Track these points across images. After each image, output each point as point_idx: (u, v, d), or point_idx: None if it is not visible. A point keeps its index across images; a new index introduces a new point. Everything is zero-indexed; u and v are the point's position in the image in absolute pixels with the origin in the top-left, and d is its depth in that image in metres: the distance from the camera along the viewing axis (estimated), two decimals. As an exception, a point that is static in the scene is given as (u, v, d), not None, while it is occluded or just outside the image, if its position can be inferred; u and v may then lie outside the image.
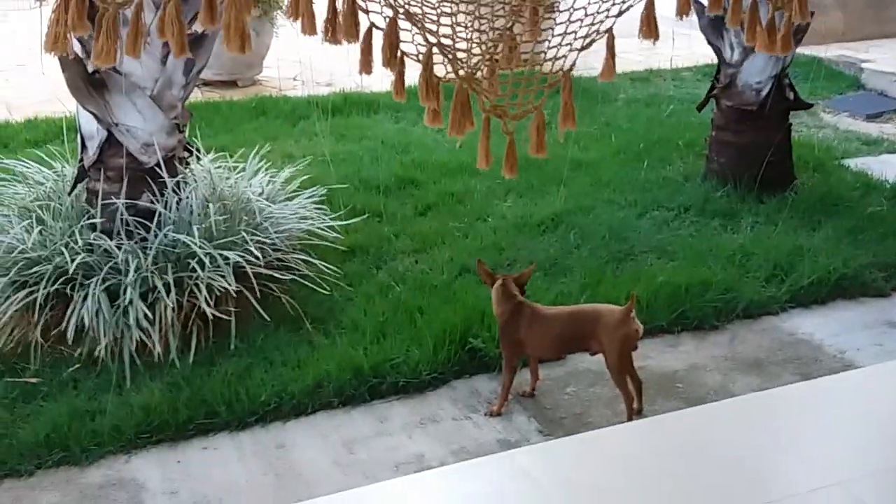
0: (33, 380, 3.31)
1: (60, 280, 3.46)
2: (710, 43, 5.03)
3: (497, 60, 1.88)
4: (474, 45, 1.77)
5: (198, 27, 3.77)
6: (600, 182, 5.15)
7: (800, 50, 7.83)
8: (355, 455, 3.03)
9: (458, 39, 1.74)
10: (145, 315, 3.39)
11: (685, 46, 7.74)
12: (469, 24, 1.75)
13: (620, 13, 1.88)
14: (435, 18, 1.66)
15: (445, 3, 1.65)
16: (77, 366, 3.36)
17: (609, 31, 1.89)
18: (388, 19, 1.59)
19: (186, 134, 4.10)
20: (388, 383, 3.34)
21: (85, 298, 3.41)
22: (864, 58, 7.93)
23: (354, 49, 1.81)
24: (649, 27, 1.83)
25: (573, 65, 1.95)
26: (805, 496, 2.47)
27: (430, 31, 1.65)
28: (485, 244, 4.38)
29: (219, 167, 4.31)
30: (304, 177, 4.54)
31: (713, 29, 4.91)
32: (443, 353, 3.44)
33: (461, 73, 1.77)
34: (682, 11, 1.78)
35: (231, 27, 1.50)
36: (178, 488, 2.88)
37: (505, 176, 2.04)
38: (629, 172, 5.29)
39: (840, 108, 7.00)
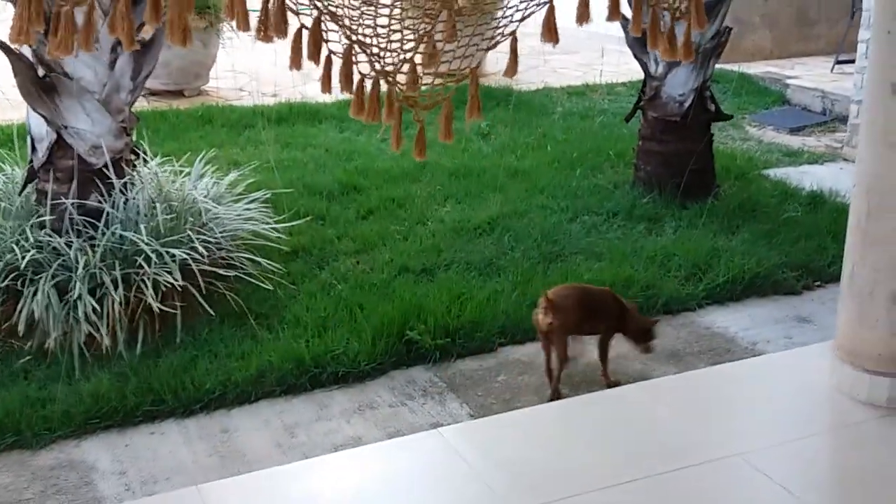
0: (-17, 371, 3.43)
1: (11, 276, 3.59)
2: (636, 57, 5.31)
3: (415, 61, 2.08)
4: (393, 44, 1.97)
5: (145, 34, 3.96)
6: (535, 189, 5.40)
7: (729, 66, 8.24)
8: (296, 438, 3.20)
9: (377, 38, 1.94)
10: (94, 309, 3.53)
11: (621, 62, 8.08)
12: (388, 25, 1.95)
13: (523, 18, 2.09)
14: (356, 18, 1.86)
15: (365, 6, 1.85)
16: (28, 358, 3.49)
17: (512, 34, 2.10)
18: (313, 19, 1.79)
19: (134, 139, 4.25)
20: (329, 373, 3.52)
21: (35, 294, 3.54)
22: (790, 74, 8.33)
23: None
24: (550, 31, 2.05)
25: (479, 63, 2.17)
26: (711, 464, 2.71)
27: (352, 30, 1.85)
28: (424, 246, 4.59)
29: (165, 171, 4.45)
30: (250, 181, 4.72)
31: (639, 44, 5.19)
32: (381, 345, 3.63)
33: (377, 67, 1.97)
34: (580, 20, 2.00)
35: (174, 23, 1.67)
36: (127, 469, 3.02)
37: (415, 158, 2.24)
38: (562, 180, 5.55)
39: (765, 121, 7.36)
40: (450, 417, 3.33)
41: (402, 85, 2.05)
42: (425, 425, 3.26)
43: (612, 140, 6.31)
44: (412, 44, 1.98)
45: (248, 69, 7.81)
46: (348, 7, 1.79)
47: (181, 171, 4.51)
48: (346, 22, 1.82)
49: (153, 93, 7.52)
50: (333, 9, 1.78)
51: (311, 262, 4.41)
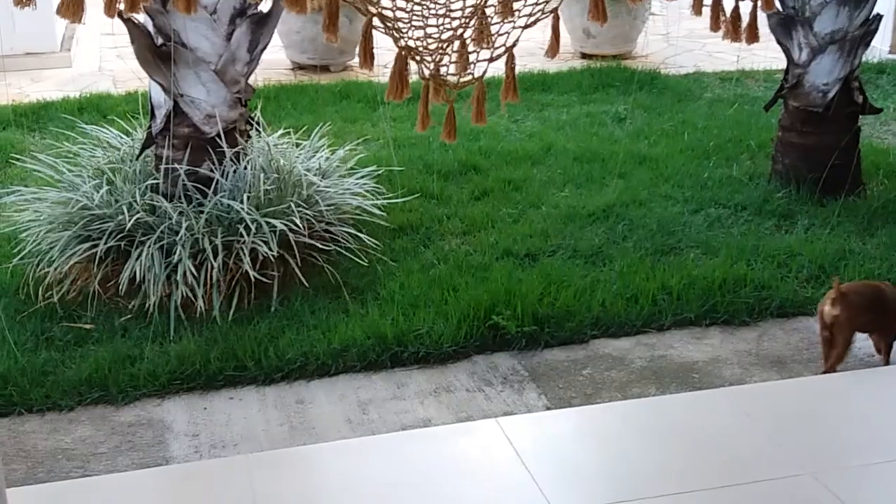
0: (88, 326, 3.60)
1: (120, 237, 3.75)
2: (779, 42, 4.96)
3: (464, 38, 1.99)
4: (434, 25, 1.88)
5: (263, 7, 4.03)
6: (661, 177, 5.15)
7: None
8: (367, 415, 3.19)
9: (419, 19, 1.86)
10: (193, 274, 3.64)
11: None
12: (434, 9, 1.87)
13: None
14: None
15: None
16: (128, 316, 3.64)
17: (554, 10, 1.96)
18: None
19: (254, 110, 4.35)
20: (410, 353, 3.48)
21: (140, 255, 3.69)
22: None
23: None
24: (597, 11, 1.90)
25: (516, 41, 2.05)
26: (780, 481, 2.50)
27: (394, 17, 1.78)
28: (532, 230, 4.47)
29: (283, 143, 4.54)
30: (364, 155, 4.74)
31: (782, 28, 4.84)
32: (466, 328, 3.56)
33: (402, 43, 1.89)
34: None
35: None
36: (200, 432, 3.10)
37: (444, 140, 2.14)
38: (693, 169, 5.27)
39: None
40: (525, 408, 3.22)
41: (444, 65, 1.97)
42: (498, 413, 3.17)
43: (756, 129, 5.94)
44: (457, 21, 1.89)
45: (391, 45, 7.86)
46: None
47: (301, 145, 4.59)
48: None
49: (300, 67, 7.72)
50: None
51: (417, 240, 4.38)
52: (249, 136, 4.21)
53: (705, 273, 3.96)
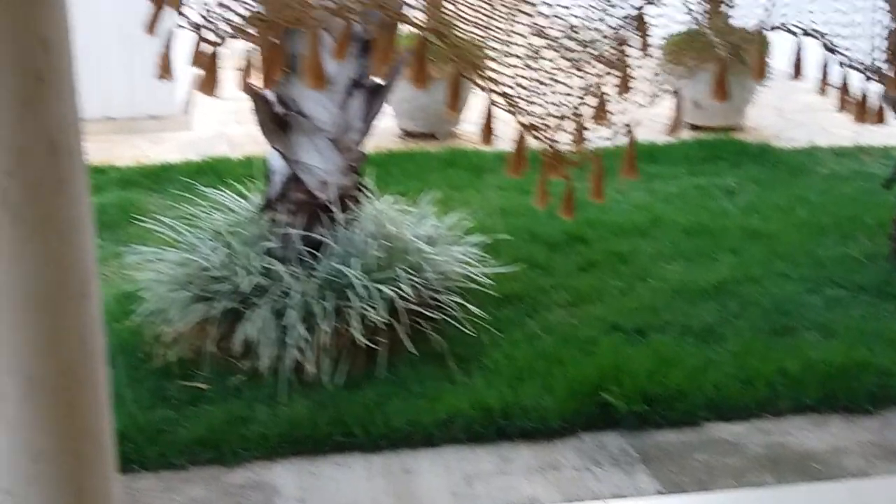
0: (202, 385, 3.67)
1: (236, 298, 3.84)
2: (900, 117, 4.81)
3: (582, 116, 1.98)
4: (550, 97, 1.89)
5: (377, 79, 4.13)
6: (774, 253, 5.02)
7: None
8: (473, 489, 3.14)
9: (531, 92, 1.87)
10: (304, 337, 3.69)
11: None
12: (546, 79, 1.87)
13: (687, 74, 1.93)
14: (510, 73, 1.81)
15: (525, 60, 1.79)
16: (241, 377, 3.71)
17: (676, 91, 1.94)
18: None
19: (364, 176, 4.43)
20: (516, 426, 3.44)
21: (254, 317, 3.76)
22: None
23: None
24: (720, 90, 1.87)
25: (636, 120, 2.02)
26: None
27: (501, 83, 1.79)
28: (640, 304, 4.39)
29: (393, 209, 4.61)
30: (473, 224, 4.76)
31: (905, 103, 4.70)
32: (574, 404, 3.50)
33: (528, 121, 1.90)
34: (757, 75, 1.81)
35: (310, 67, 1.69)
36: (308, 498, 3.11)
37: (563, 217, 2.12)
38: (808, 247, 5.12)
39: None
40: (635, 491, 3.13)
41: (559, 141, 1.96)
42: (607, 495, 3.09)
43: (874, 207, 5.74)
44: (575, 98, 1.89)
45: (501, 114, 7.95)
46: (507, 65, 1.74)
47: (408, 211, 4.65)
48: (495, 73, 1.77)
49: (408, 133, 7.87)
50: (481, 61, 1.74)
51: (521, 310, 4.36)
52: (360, 202, 4.29)
53: (824, 357, 3.82)
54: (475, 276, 4.29)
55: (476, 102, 8.16)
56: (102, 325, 2.01)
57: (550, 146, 1.95)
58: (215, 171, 6.47)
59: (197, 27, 1.59)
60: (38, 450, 1.91)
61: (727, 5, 2.12)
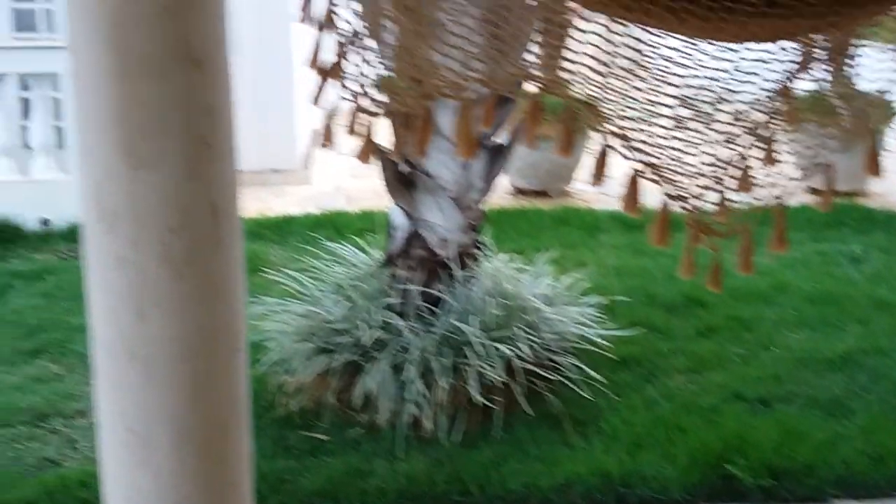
0: (323, 437, 3.74)
1: (356, 351, 3.92)
2: None
3: (725, 186, 1.96)
4: (692, 167, 1.88)
5: (498, 139, 4.19)
6: (905, 325, 4.82)
7: None
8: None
9: (676, 162, 1.87)
10: (422, 393, 3.73)
11: None
12: (689, 149, 1.87)
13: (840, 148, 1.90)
14: (652, 140, 1.81)
15: (675, 130, 1.80)
16: (360, 430, 3.76)
17: (829, 165, 1.90)
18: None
19: (482, 234, 4.48)
20: (636, 495, 3.37)
21: (373, 371, 3.82)
22: None
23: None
24: (874, 166, 1.83)
25: (787, 191, 1.99)
26: None
27: (646, 152, 1.80)
28: (763, 373, 4.27)
29: (509, 267, 4.63)
30: (589, 285, 4.74)
31: None
32: (696, 475, 3.42)
33: (674, 191, 1.89)
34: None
35: (462, 137, 1.73)
36: (423, 555, 3.12)
37: (709, 288, 2.08)
38: (942, 318, 4.90)
39: None
40: (761, 568, 3.02)
41: (703, 211, 1.95)
42: (731, 572, 2.99)
43: None
44: (719, 169, 1.88)
45: (613, 174, 7.95)
46: (647, 130, 1.75)
47: (524, 269, 4.66)
48: (641, 143, 1.78)
49: (520, 191, 7.92)
50: (631, 132, 1.76)
51: (639, 374, 4.29)
52: (478, 260, 4.33)
53: (962, 435, 3.63)
54: (592, 338, 4.26)
55: (588, 162, 8.06)
56: (248, 380, 2.08)
57: (697, 217, 1.94)
58: (334, 225, 6.64)
59: (355, 97, 1.66)
60: (183, 496, 1.98)
61: (849, 67, 2.09)
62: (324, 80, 1.62)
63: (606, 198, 7.79)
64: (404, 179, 4.07)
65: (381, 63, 1.80)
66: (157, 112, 1.74)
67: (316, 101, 1.65)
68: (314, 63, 1.62)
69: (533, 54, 1.89)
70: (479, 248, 4.31)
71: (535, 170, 7.67)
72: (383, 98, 1.70)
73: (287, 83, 7.94)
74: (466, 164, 4.09)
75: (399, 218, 4.22)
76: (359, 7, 1.72)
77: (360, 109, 1.71)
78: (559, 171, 7.82)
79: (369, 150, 1.82)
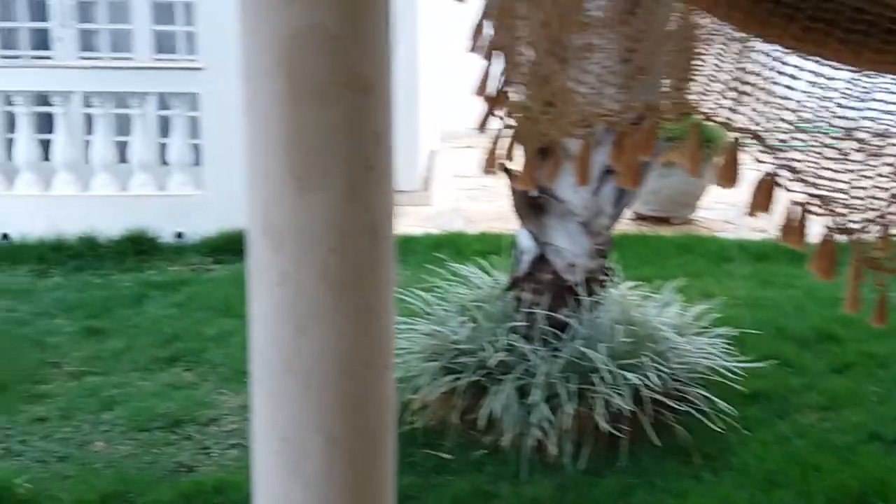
0: (447, 455, 3.77)
1: (481, 373, 3.94)
2: None
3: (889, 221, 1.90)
4: (860, 200, 1.82)
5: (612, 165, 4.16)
6: None
7: None
8: None
9: (841, 193, 1.82)
10: (547, 418, 3.72)
11: None
12: (856, 179, 1.82)
13: None
14: (819, 170, 1.77)
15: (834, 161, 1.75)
16: (484, 451, 3.78)
17: None
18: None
19: (609, 260, 4.45)
20: (768, 533, 3.28)
21: (498, 393, 3.84)
22: None
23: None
24: None
25: None
26: None
27: (813, 183, 1.76)
28: (903, 413, 4.10)
29: (634, 294, 4.58)
30: (717, 315, 4.65)
31: None
32: (832, 516, 3.30)
33: (839, 223, 1.83)
34: None
35: (626, 166, 1.73)
36: (548, 581, 3.10)
37: (874, 325, 2.01)
38: None
39: None
40: None
41: (869, 244, 1.89)
42: None
43: None
44: (883, 201, 1.82)
45: (739, 202, 7.79)
46: (812, 161, 1.72)
47: (649, 297, 4.61)
48: (807, 173, 1.75)
49: (640, 217, 7.83)
50: (795, 162, 1.72)
51: (770, 409, 4.18)
52: (605, 286, 4.30)
53: None
54: (721, 370, 4.17)
55: (716, 189, 7.93)
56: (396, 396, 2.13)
57: (863, 250, 1.89)
58: (453, 245, 6.71)
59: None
60: (332, 508, 2.04)
61: None
62: (491, 109, 1.65)
63: (730, 226, 7.64)
64: (533, 203, 4.09)
65: (514, 87, 1.83)
66: (324, 136, 1.81)
67: (482, 128, 1.68)
68: (482, 91, 1.66)
69: (676, 81, 1.88)
70: (606, 275, 4.29)
71: (657, 196, 7.58)
72: (515, 122, 1.72)
73: (410, 106, 8.10)
74: (597, 189, 4.08)
75: (526, 241, 4.24)
76: (502, 32, 1.75)
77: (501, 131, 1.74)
78: (683, 197, 7.70)
79: (504, 170, 1.85)
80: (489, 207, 8.13)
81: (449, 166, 9.55)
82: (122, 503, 3.45)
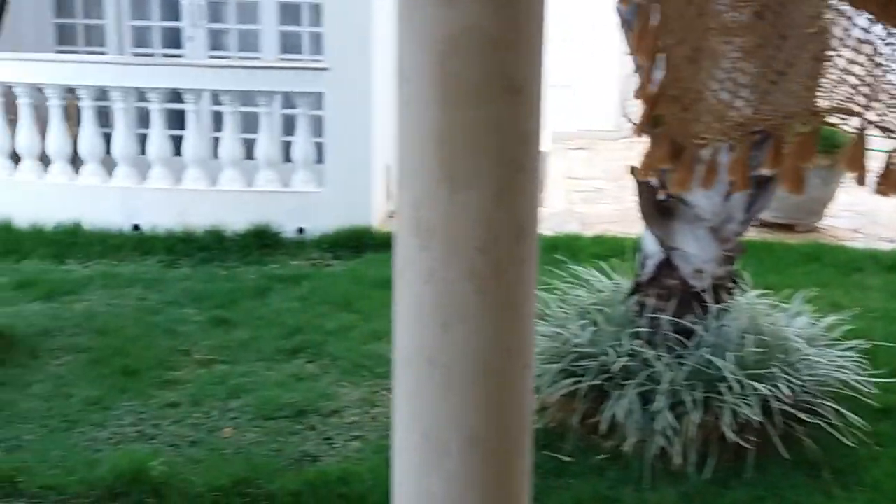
0: (566, 458, 3.76)
1: (602, 377, 3.91)
2: None
3: None
4: None
5: (764, 171, 4.05)
6: None
7: None
8: None
9: None
10: (672, 425, 3.66)
11: None
12: None
13: None
14: None
15: None
16: (605, 456, 3.75)
17: None
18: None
19: (736, 267, 4.35)
20: (906, 555, 3.15)
21: (620, 398, 3.80)
22: None
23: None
24: None
25: None
26: None
27: None
28: None
29: (761, 303, 4.46)
30: (849, 327, 4.48)
31: None
32: (976, 541, 3.15)
33: None
34: None
35: (789, 172, 1.70)
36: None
37: None
38: None
39: None
40: None
41: None
42: None
43: None
44: None
45: (868, 210, 7.49)
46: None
47: (777, 306, 4.48)
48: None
49: (764, 224, 7.60)
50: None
51: (904, 426, 4.01)
52: (732, 294, 4.20)
53: None
54: (853, 383, 4.03)
55: (842, 196, 7.70)
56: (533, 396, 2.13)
57: None
58: (568, 248, 6.65)
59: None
60: (471, 504, 2.06)
61: None
62: (650, 110, 1.65)
63: (859, 235, 7.35)
64: (661, 207, 4.03)
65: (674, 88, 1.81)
66: (476, 136, 1.83)
67: (642, 131, 1.68)
68: (643, 94, 1.65)
69: (814, 82, 1.83)
70: (734, 282, 4.19)
71: (782, 202, 7.33)
72: (674, 125, 1.70)
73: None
74: (728, 195, 3.99)
75: (651, 245, 4.18)
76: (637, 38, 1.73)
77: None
78: (810, 204, 7.45)
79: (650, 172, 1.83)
80: (604, 210, 8.06)
81: (561, 168, 9.50)
82: (252, 489, 3.56)
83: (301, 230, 6.90)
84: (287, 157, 7.03)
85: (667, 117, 1.72)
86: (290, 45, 8.05)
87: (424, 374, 1.99)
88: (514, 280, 2.00)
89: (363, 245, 6.74)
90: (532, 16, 1.83)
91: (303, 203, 6.88)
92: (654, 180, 4.06)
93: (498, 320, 1.97)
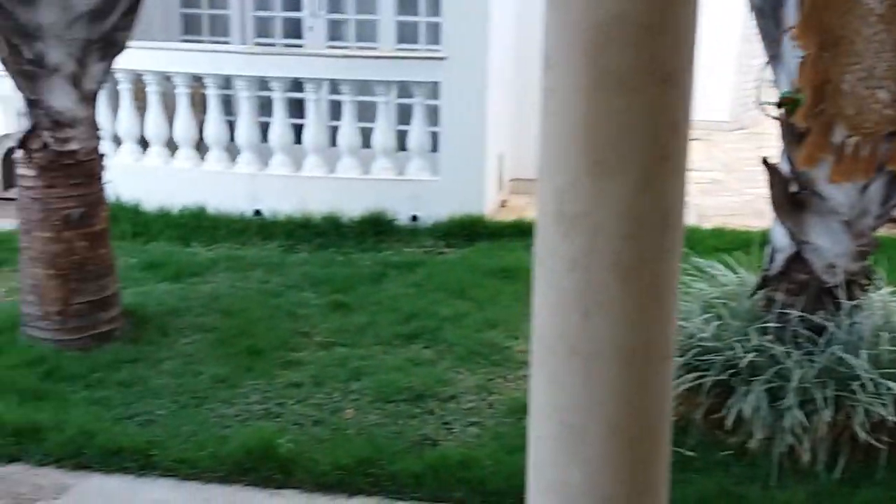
0: (690, 453, 3.69)
1: (728, 372, 3.82)
2: None
3: None
4: None
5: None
6: None
7: None
8: None
9: None
10: (801, 423, 3.56)
11: None
12: None
13: None
14: None
15: None
16: (729, 452, 3.67)
17: None
18: None
19: (870, 263, 4.18)
20: None
21: (747, 394, 3.71)
22: None
23: None
24: None
25: None
26: None
27: None
28: None
29: (895, 301, 4.29)
30: None
31: None
32: None
33: None
34: None
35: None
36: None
37: None
38: None
39: None
40: None
41: None
42: None
43: None
44: None
45: None
46: None
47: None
48: None
49: (893, 220, 7.28)
50: None
51: None
52: (866, 290, 4.05)
53: None
54: None
55: None
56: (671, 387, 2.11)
57: None
58: (687, 240, 6.44)
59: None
60: (608, 493, 2.05)
61: None
62: (816, 100, 1.61)
63: None
64: (794, 199, 3.91)
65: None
66: (623, 125, 1.82)
67: (811, 117, 1.64)
68: (812, 80, 1.61)
69: None
70: (868, 278, 4.04)
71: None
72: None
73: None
74: (864, 187, 3.84)
75: (781, 238, 4.06)
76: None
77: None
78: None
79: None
80: (722, 202, 7.88)
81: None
82: (375, 469, 3.63)
83: (415, 218, 6.98)
84: (402, 146, 7.11)
85: (828, 107, 1.67)
86: (406, 34, 8.13)
87: (564, 362, 1.99)
88: (658, 270, 1.97)
89: (475, 234, 6.77)
90: (684, 2, 1.80)
91: (417, 191, 6.95)
92: (787, 171, 3.94)
93: (640, 310, 1.96)
